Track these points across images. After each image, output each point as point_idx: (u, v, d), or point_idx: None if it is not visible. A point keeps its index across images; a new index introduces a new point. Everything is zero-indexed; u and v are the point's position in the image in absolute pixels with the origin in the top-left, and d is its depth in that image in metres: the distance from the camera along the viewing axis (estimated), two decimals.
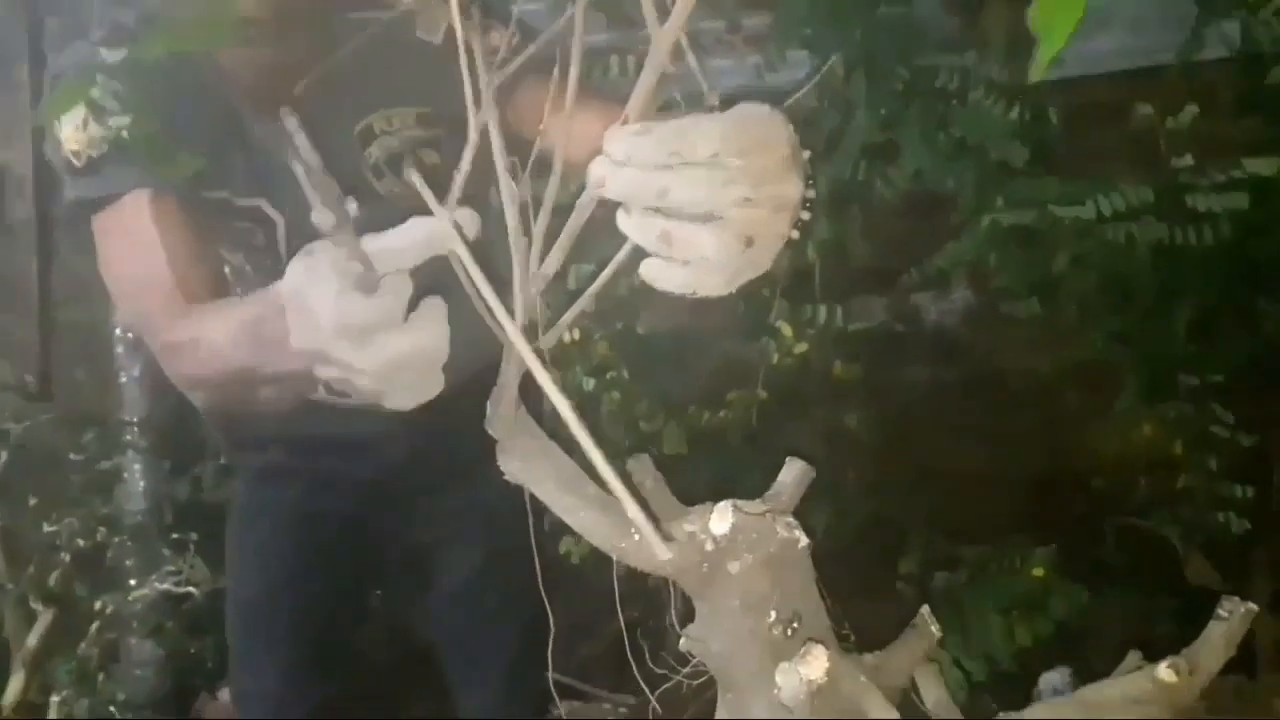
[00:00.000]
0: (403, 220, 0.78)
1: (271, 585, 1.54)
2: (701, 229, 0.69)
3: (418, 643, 1.77)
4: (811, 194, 0.72)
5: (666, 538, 0.71)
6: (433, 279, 0.79)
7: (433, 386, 0.81)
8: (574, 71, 0.66)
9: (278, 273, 1.33)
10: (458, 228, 0.74)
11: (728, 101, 0.73)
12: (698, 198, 0.68)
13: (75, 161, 1.17)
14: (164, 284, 1.16)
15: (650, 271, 0.72)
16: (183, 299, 1.15)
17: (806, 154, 0.72)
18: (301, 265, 0.83)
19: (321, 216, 0.78)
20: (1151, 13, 2.37)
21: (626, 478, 0.73)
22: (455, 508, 1.52)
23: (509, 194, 0.68)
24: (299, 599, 1.53)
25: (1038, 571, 2.12)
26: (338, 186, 0.78)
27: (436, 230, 0.76)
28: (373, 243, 0.78)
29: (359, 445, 1.46)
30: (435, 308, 0.79)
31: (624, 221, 0.71)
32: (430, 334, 0.79)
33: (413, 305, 0.79)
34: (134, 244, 1.18)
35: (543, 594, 0.85)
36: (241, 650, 1.60)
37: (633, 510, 0.67)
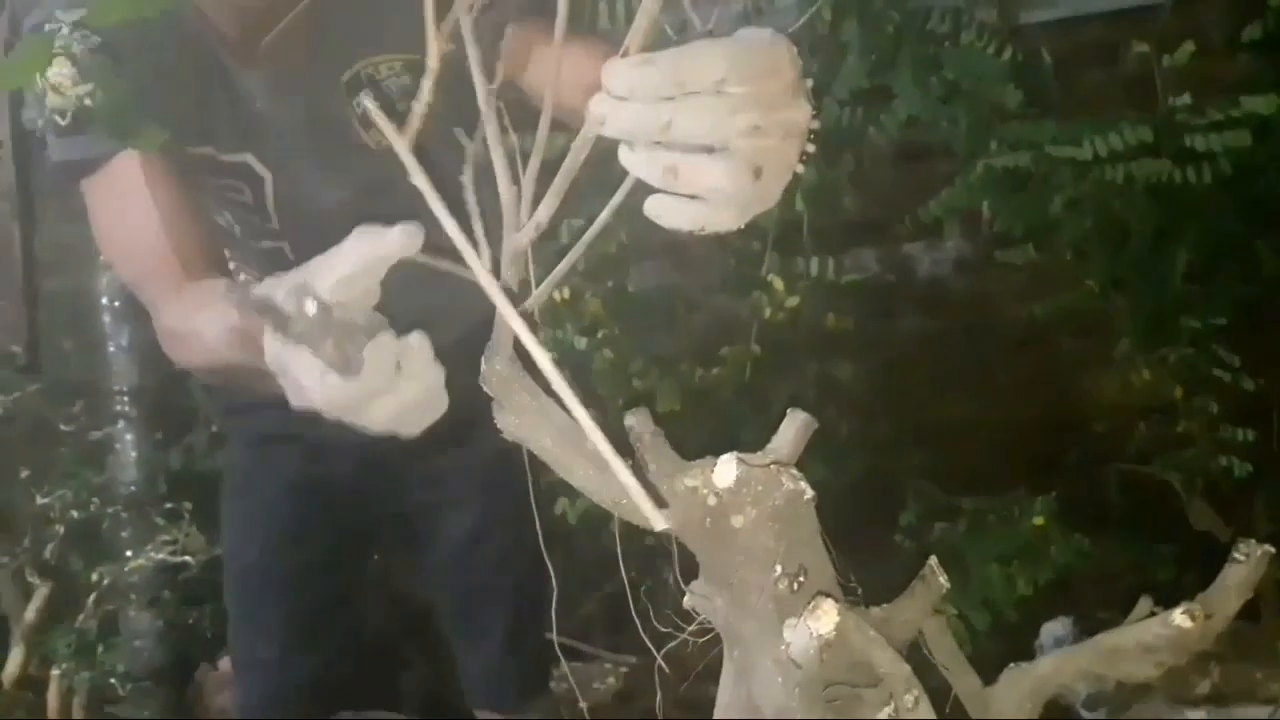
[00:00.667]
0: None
1: (268, 552, 1.53)
2: (709, 160, 0.65)
3: (417, 606, 1.76)
4: (816, 124, 0.70)
5: (665, 497, 0.69)
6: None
7: (438, 408, 0.78)
8: (562, 7, 0.63)
9: (266, 232, 1.30)
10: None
11: None
12: (703, 129, 0.64)
13: (60, 120, 1.14)
14: (159, 249, 1.13)
15: (656, 208, 0.68)
16: (179, 266, 1.12)
17: (809, 82, 0.69)
18: (278, 339, 0.78)
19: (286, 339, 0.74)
20: None
21: (620, 443, 0.70)
22: (450, 470, 1.51)
23: (495, 138, 0.65)
24: (296, 565, 1.52)
25: (1038, 520, 2.12)
26: (291, 304, 0.72)
27: (384, 239, 0.73)
28: (323, 275, 0.74)
29: None
30: (420, 349, 0.75)
31: (626, 157, 0.67)
32: (422, 382, 0.75)
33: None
34: (127, 208, 1.15)
35: (544, 555, 0.83)
36: (239, 618, 1.59)
37: (626, 477, 0.63)
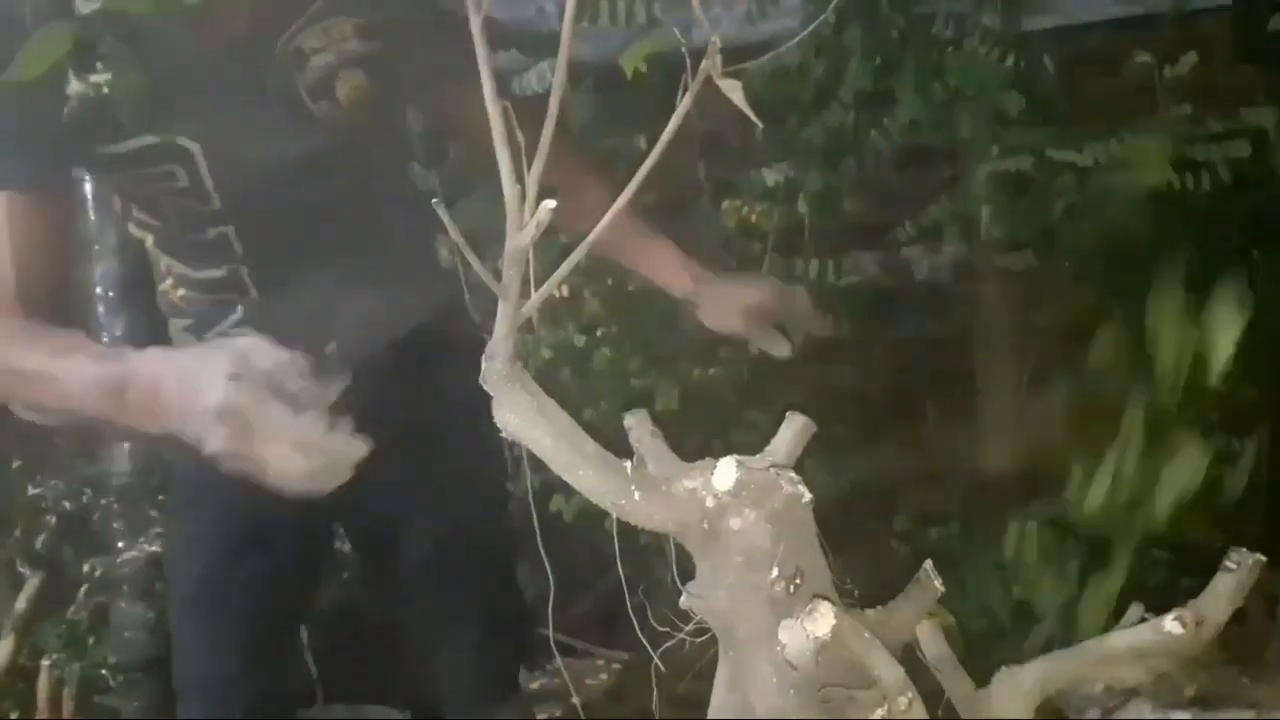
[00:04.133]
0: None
1: (215, 566, 1.47)
2: None
3: (383, 620, 1.73)
4: None
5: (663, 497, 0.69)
6: None
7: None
8: (569, 12, 0.63)
9: (208, 217, 1.27)
10: None
11: (725, 51, 0.68)
12: None
13: None
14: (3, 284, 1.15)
15: None
16: (15, 304, 1.15)
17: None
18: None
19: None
20: None
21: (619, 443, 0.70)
22: (411, 480, 1.41)
23: (500, 137, 0.66)
24: (243, 580, 1.46)
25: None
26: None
27: None
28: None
29: None
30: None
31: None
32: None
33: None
34: None
35: (542, 553, 0.83)
36: (183, 636, 1.53)
37: None
